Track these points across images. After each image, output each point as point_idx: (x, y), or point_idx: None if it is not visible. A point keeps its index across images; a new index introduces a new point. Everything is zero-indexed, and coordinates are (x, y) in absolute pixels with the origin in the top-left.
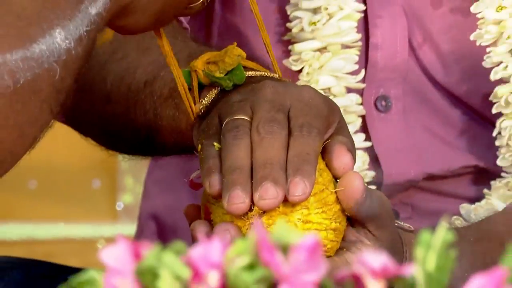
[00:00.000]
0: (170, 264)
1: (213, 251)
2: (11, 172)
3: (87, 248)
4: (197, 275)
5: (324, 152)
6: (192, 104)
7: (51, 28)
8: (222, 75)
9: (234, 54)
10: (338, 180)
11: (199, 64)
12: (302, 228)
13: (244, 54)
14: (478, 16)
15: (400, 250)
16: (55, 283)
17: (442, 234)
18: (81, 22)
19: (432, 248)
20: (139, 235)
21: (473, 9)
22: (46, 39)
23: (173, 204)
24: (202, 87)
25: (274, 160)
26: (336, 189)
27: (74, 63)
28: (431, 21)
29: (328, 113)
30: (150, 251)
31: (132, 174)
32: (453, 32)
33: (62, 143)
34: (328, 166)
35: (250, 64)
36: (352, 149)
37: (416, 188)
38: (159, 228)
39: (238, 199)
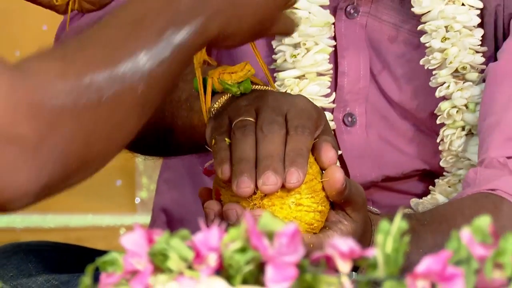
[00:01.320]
0: (177, 247)
1: (212, 237)
2: None
3: (111, 234)
4: (199, 256)
5: (313, 149)
6: (208, 105)
7: (135, 52)
8: (233, 84)
9: (246, 69)
10: (324, 172)
11: (216, 73)
12: (295, 210)
13: (253, 71)
14: (426, 45)
15: (370, 229)
16: (84, 263)
17: (397, 223)
18: (164, 48)
19: (389, 234)
20: (153, 225)
21: (422, 39)
22: (129, 61)
23: (179, 199)
24: (213, 93)
25: (275, 153)
26: (322, 179)
27: (157, 83)
28: (388, 52)
29: (317, 117)
30: (161, 237)
31: (147, 174)
32: (406, 59)
33: None
34: (317, 160)
35: (256, 80)
36: (335, 147)
37: (376, 187)
38: (168, 219)
39: (245, 184)
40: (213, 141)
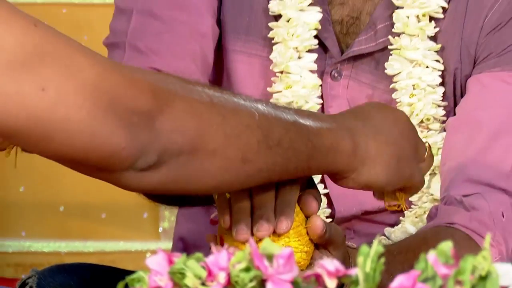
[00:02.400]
0: (192, 267)
1: (221, 259)
2: (91, 206)
3: (139, 257)
4: (211, 275)
5: (299, 200)
6: None
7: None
8: None
9: None
10: (308, 219)
11: None
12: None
13: None
14: (397, 100)
15: (348, 262)
16: (116, 280)
17: (375, 247)
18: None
19: (368, 256)
20: (173, 250)
21: (394, 96)
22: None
23: (194, 229)
24: None
25: (267, 204)
26: (307, 226)
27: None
28: None
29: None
30: (179, 259)
31: (169, 209)
32: None
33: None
34: (302, 209)
35: None
36: (318, 198)
37: (357, 219)
38: (184, 245)
39: (242, 231)
40: (216, 197)
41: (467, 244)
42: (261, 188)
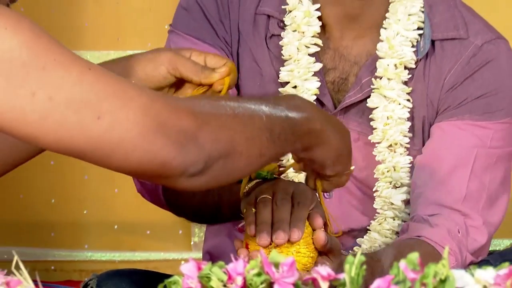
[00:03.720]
0: (216, 272)
1: (239, 266)
2: (138, 225)
3: (175, 265)
4: (230, 278)
5: (308, 216)
6: (244, 188)
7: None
8: (263, 172)
9: (272, 166)
10: (314, 231)
11: None
12: (296, 256)
13: (277, 169)
14: (373, 127)
15: (343, 267)
16: (157, 283)
17: (358, 257)
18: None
19: (353, 264)
20: (202, 259)
21: (371, 123)
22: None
23: (217, 245)
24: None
25: (284, 219)
26: (313, 237)
27: (272, 123)
28: (353, 151)
29: (311, 196)
30: (206, 266)
31: (198, 227)
32: (361, 150)
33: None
34: (310, 224)
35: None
36: (322, 216)
37: (345, 234)
38: (210, 257)
39: (264, 239)
40: (245, 210)
41: (431, 253)
42: (279, 206)
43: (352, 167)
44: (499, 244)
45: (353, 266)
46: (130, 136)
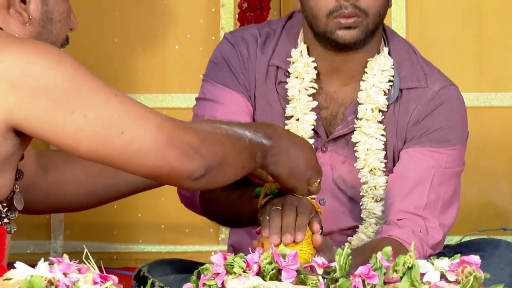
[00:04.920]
0: (238, 261)
1: (255, 256)
2: (179, 225)
3: (207, 255)
4: (248, 266)
5: (309, 223)
6: (261, 201)
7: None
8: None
9: (274, 184)
10: (313, 234)
11: (268, 185)
12: (299, 252)
13: (279, 186)
14: (357, 157)
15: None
16: (193, 269)
17: (345, 250)
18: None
19: (341, 255)
20: (227, 251)
21: (356, 154)
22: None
23: (238, 241)
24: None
25: (290, 225)
26: (312, 239)
27: (248, 147)
28: (340, 168)
29: (311, 208)
30: (230, 256)
31: (225, 227)
32: (348, 170)
33: (199, 216)
34: (310, 228)
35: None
36: (319, 222)
37: (336, 233)
38: (233, 250)
39: (275, 239)
40: (261, 218)
41: (400, 247)
42: (287, 215)
43: (318, 181)
44: (451, 240)
45: (341, 257)
46: (147, 148)
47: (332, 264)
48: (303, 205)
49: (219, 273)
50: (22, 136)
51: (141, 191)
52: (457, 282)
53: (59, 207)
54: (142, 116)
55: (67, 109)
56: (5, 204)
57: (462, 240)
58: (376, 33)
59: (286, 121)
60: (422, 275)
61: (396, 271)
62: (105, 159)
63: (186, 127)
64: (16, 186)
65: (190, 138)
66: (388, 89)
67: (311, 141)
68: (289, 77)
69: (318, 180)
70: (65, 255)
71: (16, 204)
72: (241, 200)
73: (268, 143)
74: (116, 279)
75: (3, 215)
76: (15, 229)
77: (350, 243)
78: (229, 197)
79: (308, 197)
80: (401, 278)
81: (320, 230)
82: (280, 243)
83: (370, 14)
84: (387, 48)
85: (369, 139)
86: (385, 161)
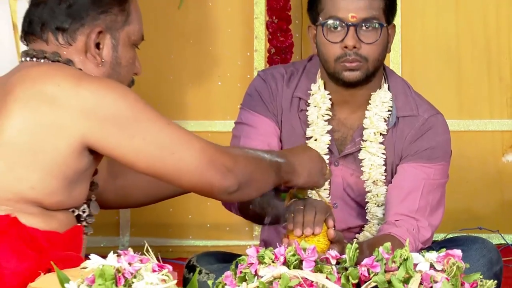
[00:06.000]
0: (267, 254)
1: (281, 250)
2: (222, 224)
3: (243, 248)
4: (276, 257)
5: (325, 220)
6: (287, 203)
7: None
8: (299, 194)
9: (306, 191)
10: (328, 228)
11: (293, 190)
12: (317, 244)
13: (306, 193)
14: (363, 171)
15: (344, 251)
16: (232, 259)
17: (353, 245)
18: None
19: (351, 249)
20: (259, 245)
21: (362, 169)
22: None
23: (268, 237)
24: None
25: (310, 221)
26: (327, 232)
27: (273, 167)
28: (350, 179)
29: (326, 208)
30: (261, 249)
31: (258, 225)
32: (358, 186)
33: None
34: (325, 224)
35: (305, 194)
36: (334, 219)
37: (345, 230)
38: (264, 244)
39: (298, 232)
40: (287, 215)
41: (397, 243)
42: (308, 213)
43: (328, 168)
44: (437, 237)
45: (351, 250)
46: (193, 167)
47: (343, 256)
48: (321, 206)
49: (252, 263)
50: (94, 154)
51: (182, 195)
52: (443, 270)
53: (123, 205)
54: (188, 140)
55: (129, 134)
56: (86, 210)
57: (447, 237)
58: (377, 73)
59: (307, 141)
60: (415, 265)
61: (394, 262)
62: (159, 174)
63: (223, 150)
64: (93, 195)
65: (226, 160)
66: (388, 117)
67: (326, 157)
68: (309, 106)
69: (328, 168)
70: (130, 248)
71: (92, 211)
72: (269, 203)
73: (282, 161)
74: (170, 267)
75: (82, 219)
76: (91, 232)
77: (357, 239)
78: (261, 201)
79: (326, 200)
80: (398, 267)
81: (334, 226)
82: (302, 235)
83: (370, 60)
84: (387, 84)
85: (372, 157)
86: (385, 174)
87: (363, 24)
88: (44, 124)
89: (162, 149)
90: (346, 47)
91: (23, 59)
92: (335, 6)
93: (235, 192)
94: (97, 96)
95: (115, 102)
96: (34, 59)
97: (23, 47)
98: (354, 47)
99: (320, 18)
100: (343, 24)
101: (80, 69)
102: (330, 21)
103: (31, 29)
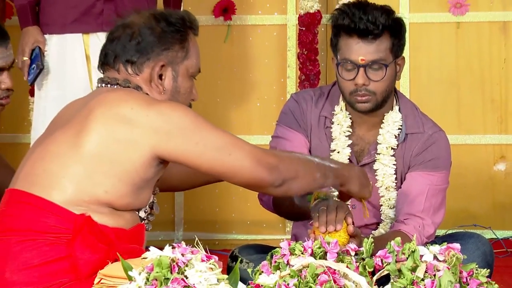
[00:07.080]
0: (297, 246)
1: (309, 244)
2: (260, 221)
3: (278, 242)
4: (305, 249)
5: (345, 218)
6: (312, 204)
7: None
8: (322, 195)
9: (329, 194)
10: (348, 225)
11: (316, 192)
12: (339, 238)
13: (333, 195)
14: (377, 179)
15: (361, 244)
16: (268, 251)
17: (370, 239)
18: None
19: (367, 242)
20: (291, 239)
21: (376, 177)
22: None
23: (299, 231)
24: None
25: (333, 219)
26: (347, 228)
27: (319, 170)
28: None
29: (346, 208)
30: (293, 243)
31: (290, 221)
32: (374, 192)
33: (273, 214)
34: (345, 221)
35: (328, 194)
36: (352, 218)
37: (362, 227)
38: (295, 238)
39: (323, 228)
40: (312, 214)
41: (406, 238)
42: (330, 212)
43: (371, 186)
44: (439, 232)
45: (367, 244)
46: (245, 166)
47: (361, 249)
48: (341, 206)
49: (285, 254)
50: (161, 165)
51: (213, 183)
52: (444, 261)
53: (166, 189)
54: (240, 144)
55: (193, 141)
56: (148, 211)
57: (447, 233)
58: (388, 99)
59: (331, 153)
60: (421, 256)
61: (403, 253)
62: (219, 173)
63: (269, 152)
64: (154, 198)
65: (272, 159)
66: (398, 134)
67: None
68: (333, 124)
69: (371, 184)
70: (183, 242)
71: (154, 210)
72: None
73: (336, 167)
74: (216, 258)
75: (144, 218)
76: (151, 228)
77: (373, 234)
78: (292, 201)
79: (367, 210)
80: (407, 258)
81: (352, 223)
82: (325, 231)
83: (378, 93)
84: (397, 106)
85: (385, 167)
86: (396, 181)
87: (371, 65)
88: (120, 139)
89: (221, 152)
90: (356, 84)
91: (99, 84)
92: (348, 50)
93: (280, 186)
94: (163, 115)
95: (179, 118)
96: (109, 85)
97: (94, 76)
98: (364, 84)
99: (338, 57)
100: (354, 66)
101: (147, 93)
102: (344, 62)
103: (106, 60)
